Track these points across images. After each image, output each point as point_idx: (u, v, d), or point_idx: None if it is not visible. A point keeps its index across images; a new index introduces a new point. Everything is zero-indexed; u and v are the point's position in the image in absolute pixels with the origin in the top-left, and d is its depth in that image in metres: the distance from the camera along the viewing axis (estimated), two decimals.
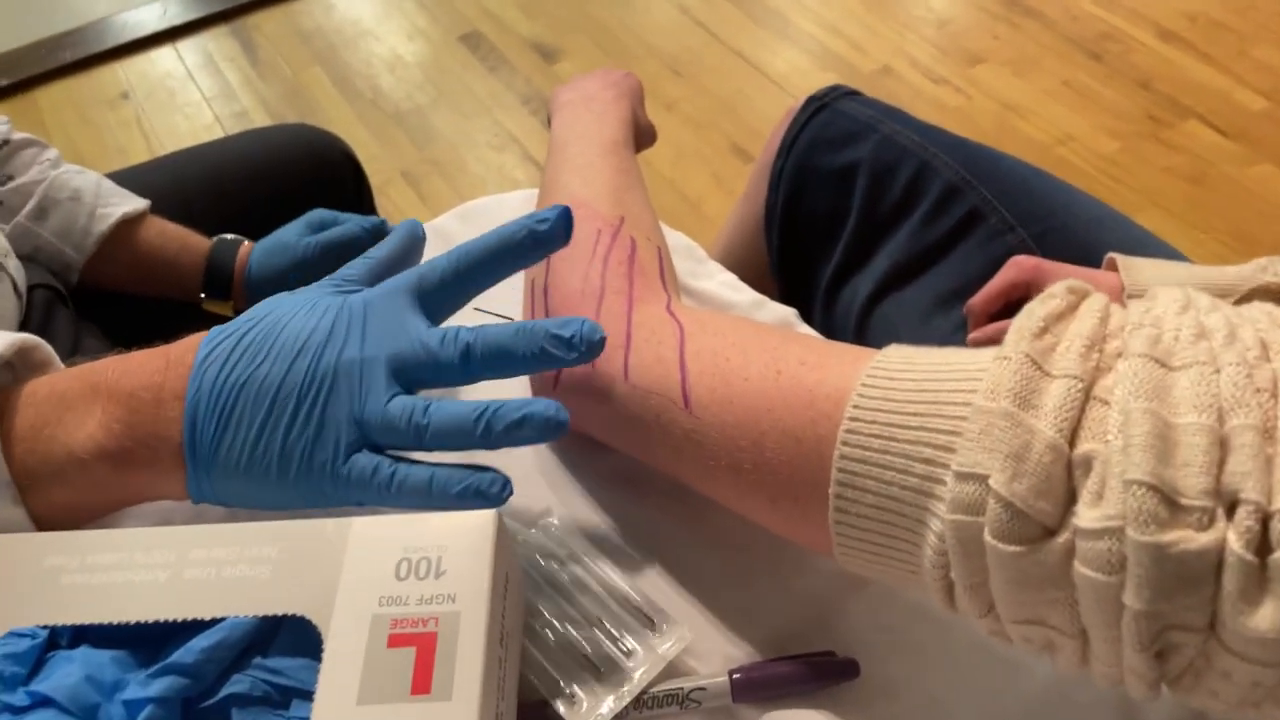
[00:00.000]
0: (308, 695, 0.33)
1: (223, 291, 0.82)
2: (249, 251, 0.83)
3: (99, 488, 0.39)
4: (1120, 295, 0.61)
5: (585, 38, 1.99)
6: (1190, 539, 0.26)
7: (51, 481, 0.38)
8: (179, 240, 0.83)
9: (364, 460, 0.37)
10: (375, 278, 0.43)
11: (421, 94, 1.89)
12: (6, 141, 0.79)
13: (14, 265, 0.71)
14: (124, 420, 0.38)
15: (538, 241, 0.41)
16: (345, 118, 1.83)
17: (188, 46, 2.03)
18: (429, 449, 0.38)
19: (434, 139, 1.79)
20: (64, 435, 0.38)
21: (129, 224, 0.80)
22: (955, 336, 0.70)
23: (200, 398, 0.38)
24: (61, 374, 0.40)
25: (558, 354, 0.39)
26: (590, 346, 0.39)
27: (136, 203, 0.81)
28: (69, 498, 0.39)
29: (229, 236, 0.84)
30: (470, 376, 0.39)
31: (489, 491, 0.37)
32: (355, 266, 0.44)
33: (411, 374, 0.39)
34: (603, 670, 0.40)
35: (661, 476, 0.45)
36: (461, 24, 2.05)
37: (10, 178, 0.78)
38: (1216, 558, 0.26)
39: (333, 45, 2.01)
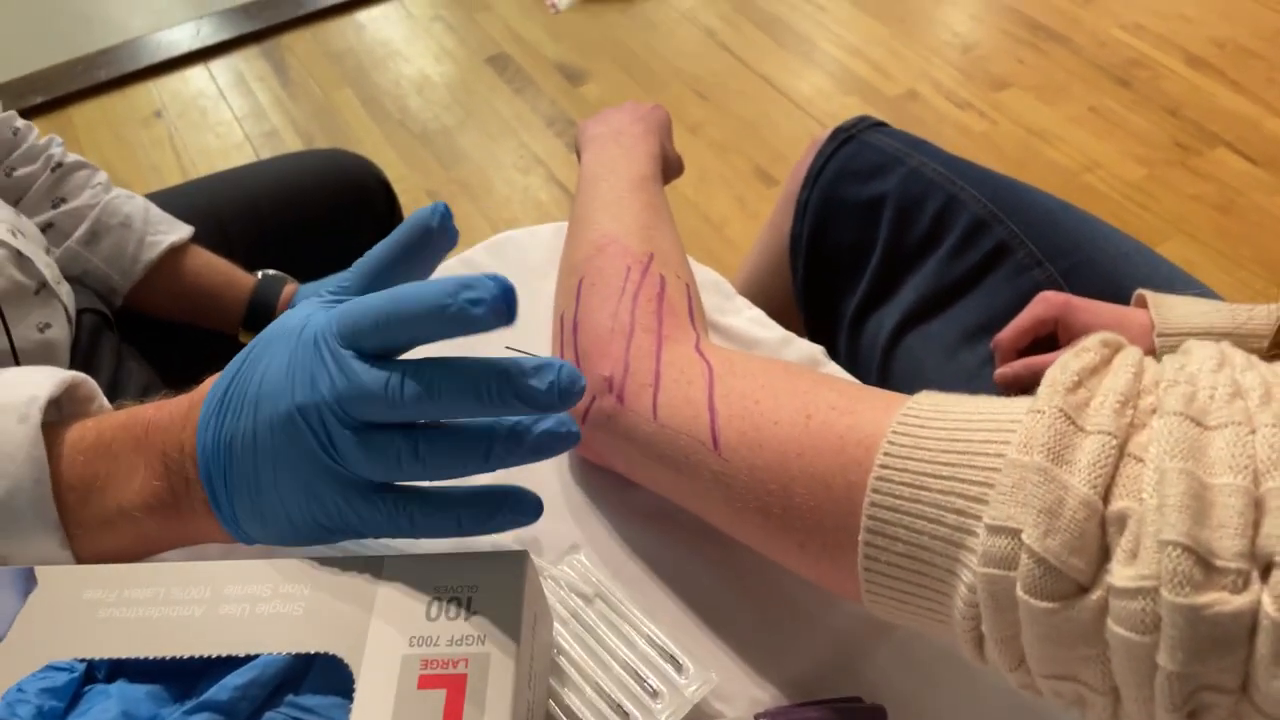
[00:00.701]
0: None
1: (262, 327, 0.82)
2: (293, 292, 0.83)
3: (149, 538, 0.39)
4: (1150, 333, 0.61)
5: (611, 61, 2.01)
6: (1224, 601, 0.26)
7: (101, 531, 0.39)
8: (224, 274, 0.83)
9: (370, 513, 0.36)
10: (370, 281, 0.39)
11: (449, 115, 1.91)
12: (60, 164, 0.80)
13: (65, 291, 0.73)
14: (163, 477, 0.39)
15: (469, 322, 0.34)
16: (373, 138, 1.85)
17: (220, 66, 2.06)
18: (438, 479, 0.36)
19: (461, 160, 1.81)
20: (113, 490, 0.39)
21: (175, 253, 0.81)
22: (981, 371, 0.70)
23: (207, 457, 0.37)
24: (107, 420, 0.41)
25: (528, 410, 0.34)
26: (565, 398, 0.34)
27: (183, 231, 0.82)
28: (119, 544, 0.39)
29: (273, 273, 0.84)
30: (431, 419, 0.36)
31: (522, 520, 0.36)
32: (348, 274, 0.40)
33: (364, 416, 0.35)
34: (629, 712, 0.40)
35: (689, 515, 0.45)
36: (489, 46, 2.07)
37: (63, 200, 0.79)
38: (1250, 620, 0.26)
39: (362, 66, 2.04)
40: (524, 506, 0.37)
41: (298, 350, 0.36)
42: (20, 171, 0.78)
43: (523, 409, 0.34)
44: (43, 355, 0.68)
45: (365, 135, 1.86)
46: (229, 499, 0.37)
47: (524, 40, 2.08)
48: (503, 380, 0.34)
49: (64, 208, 0.79)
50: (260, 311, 0.83)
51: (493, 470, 0.36)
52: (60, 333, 0.70)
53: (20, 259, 0.68)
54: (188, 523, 0.39)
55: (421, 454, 0.35)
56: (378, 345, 0.35)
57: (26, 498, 0.38)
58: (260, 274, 0.85)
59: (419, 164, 1.80)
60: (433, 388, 0.34)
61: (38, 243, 0.73)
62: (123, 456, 0.39)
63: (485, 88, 1.97)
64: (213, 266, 0.84)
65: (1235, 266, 1.51)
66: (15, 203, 0.78)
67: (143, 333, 0.83)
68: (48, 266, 0.71)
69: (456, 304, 0.34)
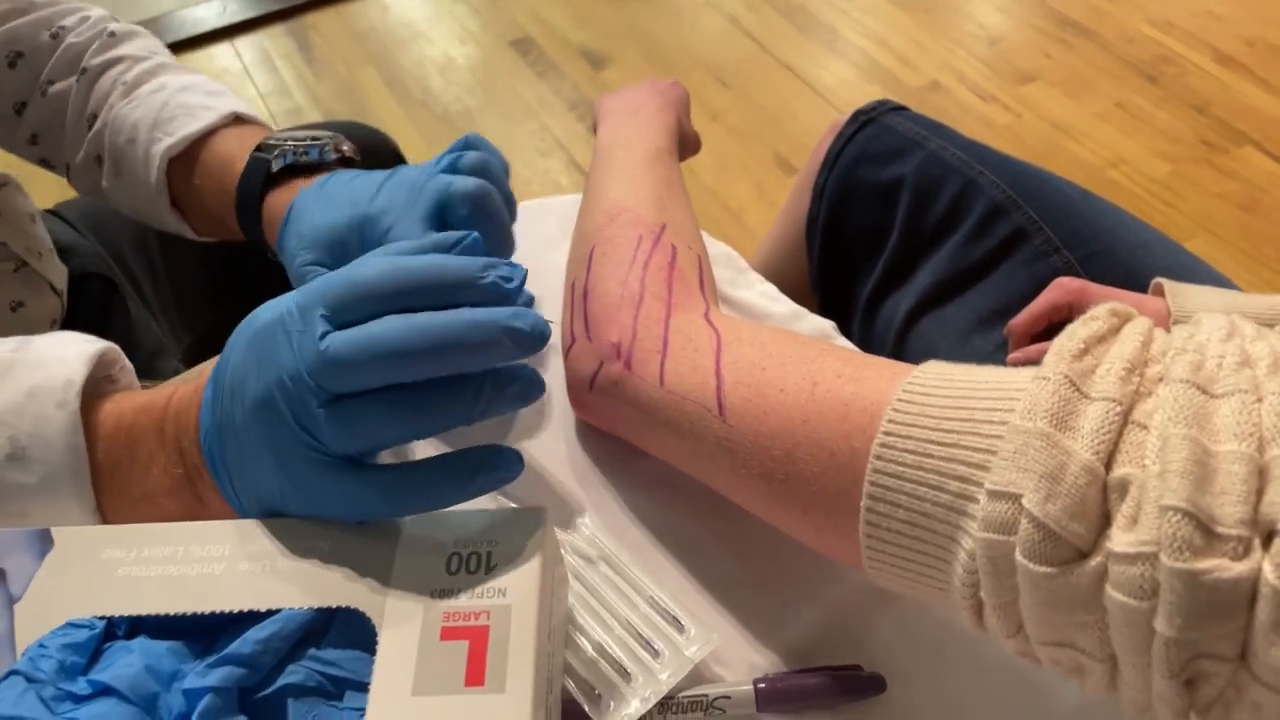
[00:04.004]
0: (361, 686, 0.34)
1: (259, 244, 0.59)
2: (286, 201, 0.55)
3: (171, 518, 0.40)
4: (1167, 321, 0.60)
5: (633, 46, 2.01)
6: (1225, 568, 0.26)
7: (128, 510, 0.40)
8: (218, 175, 0.59)
9: (348, 491, 0.35)
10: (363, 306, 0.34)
11: (471, 97, 1.91)
12: (85, 69, 0.63)
13: (51, 265, 0.70)
14: (179, 464, 0.40)
15: (500, 297, 0.35)
16: (396, 118, 1.86)
17: (245, 44, 2.07)
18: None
19: None
20: (136, 476, 0.40)
21: (182, 159, 0.60)
22: (995, 356, 0.69)
23: (208, 442, 0.38)
24: (127, 404, 0.41)
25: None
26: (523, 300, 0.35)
27: (192, 123, 0.60)
28: (145, 521, 0.40)
29: (261, 154, 0.57)
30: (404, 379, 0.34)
31: (504, 476, 0.35)
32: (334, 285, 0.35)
33: (337, 387, 0.34)
34: (630, 671, 0.40)
35: (694, 483, 0.45)
36: (513, 29, 2.07)
37: (95, 117, 0.63)
38: (1250, 587, 0.26)
39: (386, 46, 2.05)
40: (503, 462, 0.35)
41: (279, 321, 0.35)
42: (57, 87, 0.64)
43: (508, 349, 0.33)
44: (17, 332, 0.65)
45: (387, 114, 1.86)
46: (229, 481, 0.38)
47: (547, 24, 2.08)
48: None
49: (92, 131, 0.63)
50: (247, 220, 0.58)
51: (480, 420, 0.35)
52: (39, 308, 0.68)
53: None
54: (205, 504, 0.40)
55: (398, 410, 0.34)
56: (362, 316, 0.34)
57: (65, 483, 0.39)
58: (248, 158, 0.58)
59: (440, 144, 1.79)
60: (387, 345, 0.33)
61: (20, 216, 0.69)
62: (142, 443, 0.40)
63: (508, 70, 1.97)
64: (209, 164, 0.59)
65: (1259, 266, 1.49)
66: (62, 126, 0.64)
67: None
68: (31, 240, 0.68)
69: (489, 279, 0.34)
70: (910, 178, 0.77)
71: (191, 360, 0.64)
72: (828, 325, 0.58)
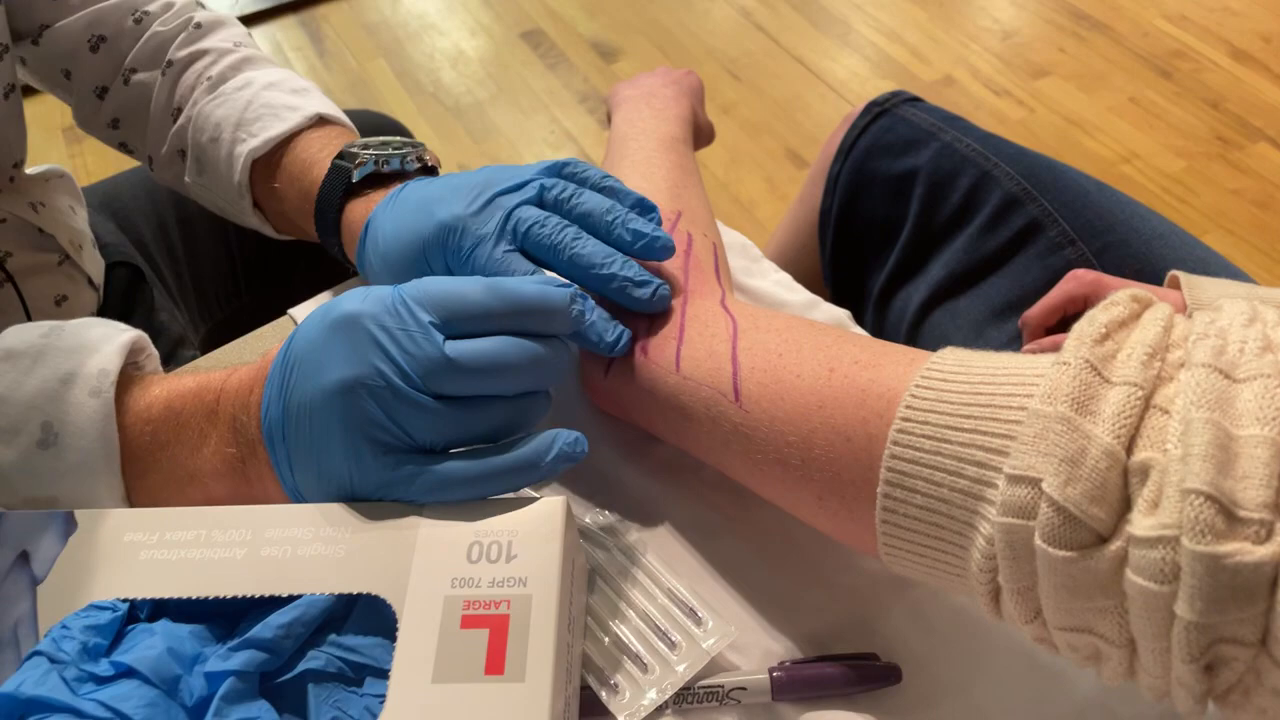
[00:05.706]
0: (381, 673, 0.34)
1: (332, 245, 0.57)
2: (365, 212, 0.53)
3: (213, 500, 0.40)
4: (1183, 313, 0.60)
5: (645, 38, 2.00)
6: (1246, 551, 0.26)
7: (164, 494, 0.40)
8: (300, 181, 0.57)
9: (415, 476, 0.37)
10: (457, 325, 0.38)
11: (482, 89, 1.91)
12: (170, 62, 0.62)
13: (89, 257, 0.71)
14: (233, 442, 0.40)
15: (579, 326, 0.40)
16: (406, 109, 1.86)
17: (257, 35, 2.08)
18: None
19: (491, 133, 1.81)
20: (183, 457, 0.40)
21: (266, 160, 0.59)
22: (1009, 348, 0.69)
23: (270, 419, 0.38)
24: (176, 389, 0.41)
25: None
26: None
27: (274, 127, 0.58)
28: (180, 504, 0.40)
29: (342, 163, 0.55)
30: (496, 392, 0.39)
31: (575, 452, 0.38)
32: (428, 307, 0.37)
33: (438, 388, 0.37)
34: (647, 662, 0.40)
35: (710, 471, 0.45)
36: (524, 21, 2.07)
37: (179, 111, 0.63)
38: (1272, 571, 0.26)
39: (397, 38, 2.05)
40: (570, 443, 0.38)
41: (374, 317, 0.37)
42: (140, 77, 0.63)
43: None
44: None
45: (398, 106, 1.87)
46: (288, 460, 0.38)
47: (559, 16, 2.07)
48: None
49: (176, 126, 0.62)
50: (325, 230, 0.56)
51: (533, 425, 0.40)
52: (79, 302, 0.68)
53: (41, 235, 0.65)
54: (254, 485, 0.40)
55: (493, 414, 0.38)
56: (469, 330, 0.37)
57: (97, 469, 0.39)
58: (331, 165, 0.56)
59: (450, 136, 1.80)
60: (506, 361, 0.37)
61: (64, 210, 0.69)
62: (192, 424, 0.40)
63: (519, 63, 1.97)
64: (291, 172, 0.58)
65: (1274, 263, 1.48)
66: (145, 115, 0.64)
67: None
68: (74, 234, 0.68)
69: (575, 310, 0.39)
70: (925, 169, 0.76)
71: (207, 349, 0.64)
72: (843, 314, 0.58)
